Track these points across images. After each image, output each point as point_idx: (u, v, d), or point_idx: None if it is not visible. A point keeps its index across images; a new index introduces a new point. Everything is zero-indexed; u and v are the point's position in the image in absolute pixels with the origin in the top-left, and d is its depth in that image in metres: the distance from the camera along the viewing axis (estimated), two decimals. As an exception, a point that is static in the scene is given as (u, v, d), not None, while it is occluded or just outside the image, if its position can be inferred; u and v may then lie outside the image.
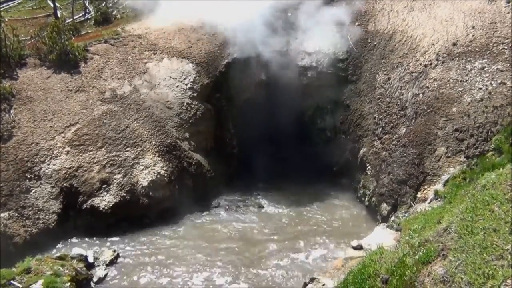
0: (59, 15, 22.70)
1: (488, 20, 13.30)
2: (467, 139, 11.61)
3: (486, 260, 5.34)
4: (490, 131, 11.44)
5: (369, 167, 13.87)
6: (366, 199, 13.94)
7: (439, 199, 10.65)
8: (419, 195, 11.77)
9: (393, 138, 13.17)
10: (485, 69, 12.32)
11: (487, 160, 10.54)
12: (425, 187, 11.75)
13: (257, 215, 14.31)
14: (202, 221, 13.95)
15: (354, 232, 12.90)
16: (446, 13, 14.25)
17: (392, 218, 12.01)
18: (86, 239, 12.81)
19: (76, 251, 11.74)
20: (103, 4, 23.17)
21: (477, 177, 9.30)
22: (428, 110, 12.48)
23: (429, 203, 11.08)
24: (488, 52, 12.58)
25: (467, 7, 14.02)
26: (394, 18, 15.23)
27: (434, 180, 11.63)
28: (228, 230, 13.44)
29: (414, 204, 11.67)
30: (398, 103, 13.57)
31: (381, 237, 10.94)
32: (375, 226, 12.64)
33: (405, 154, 12.49)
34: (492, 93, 11.79)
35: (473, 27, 13.33)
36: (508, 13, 13.19)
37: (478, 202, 6.73)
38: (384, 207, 12.64)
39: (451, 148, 11.73)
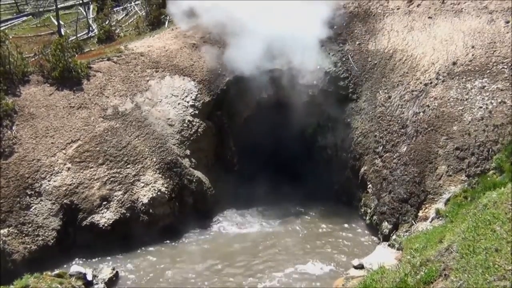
0: (63, 33, 23.00)
1: (488, 39, 13.43)
2: (468, 158, 11.61)
3: (488, 280, 5.30)
4: (491, 149, 11.46)
5: (370, 185, 13.84)
6: (367, 218, 13.87)
7: (440, 218, 10.61)
8: (420, 213, 11.73)
9: (394, 157, 13.18)
10: (485, 88, 12.40)
11: (488, 179, 10.52)
12: (427, 205, 11.71)
13: (258, 232, 14.23)
14: (203, 238, 13.87)
15: (355, 251, 12.81)
16: (446, 33, 14.39)
17: (394, 237, 11.93)
18: (85, 256, 12.70)
19: (75, 268, 11.64)
20: (107, 23, 23.51)
21: (479, 196, 9.28)
22: (429, 129, 12.51)
23: (430, 222, 11.03)
24: (488, 71, 12.67)
25: (466, 27, 14.17)
26: (394, 38, 15.38)
27: (436, 199, 11.59)
28: (229, 247, 13.36)
29: (415, 223, 11.61)
30: (399, 122, 13.61)
31: (383, 256, 10.87)
32: (376, 245, 12.57)
33: (406, 173, 12.48)
34: (493, 112, 11.84)
35: (473, 47, 13.45)
36: (507, 33, 13.33)
37: (479, 222, 6.71)
38: (385, 226, 12.57)
39: (452, 167, 11.73)
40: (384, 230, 12.56)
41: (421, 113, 12.96)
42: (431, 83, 13.35)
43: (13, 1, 30.54)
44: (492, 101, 12.05)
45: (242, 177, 15.81)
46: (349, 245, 13.26)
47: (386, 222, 12.61)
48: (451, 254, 6.38)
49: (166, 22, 21.81)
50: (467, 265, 5.80)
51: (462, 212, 8.98)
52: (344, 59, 15.79)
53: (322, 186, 15.56)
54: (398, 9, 16.18)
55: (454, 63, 13.34)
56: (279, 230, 14.37)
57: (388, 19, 16.02)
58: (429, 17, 15.25)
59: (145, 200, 13.44)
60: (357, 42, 15.95)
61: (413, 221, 11.74)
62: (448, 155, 11.88)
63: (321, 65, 15.76)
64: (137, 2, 26.35)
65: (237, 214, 15.09)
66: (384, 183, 13.16)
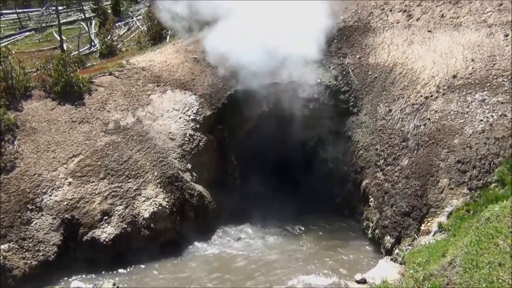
0: (65, 48, 23.16)
1: (487, 53, 13.50)
2: (469, 171, 11.59)
3: (492, 295, 5.25)
4: (492, 162, 11.44)
5: (371, 198, 13.80)
6: (369, 232, 13.80)
7: (443, 232, 10.55)
8: (422, 227, 11.67)
9: (396, 170, 13.15)
10: (485, 101, 12.43)
11: (490, 192, 10.48)
12: (429, 219, 11.65)
13: (259, 246, 14.15)
14: (204, 253, 13.78)
15: (357, 265, 12.72)
16: (446, 46, 14.47)
17: (396, 251, 11.86)
18: (86, 271, 12.62)
19: (75, 284, 11.59)
20: (108, 37, 23.68)
21: (481, 209, 9.25)
22: (430, 142, 12.51)
23: (433, 235, 10.96)
24: (488, 84, 12.71)
25: (466, 41, 14.25)
26: (394, 51, 15.47)
27: (438, 212, 11.54)
28: (231, 262, 13.27)
29: (418, 237, 11.54)
30: (400, 135, 13.62)
31: (385, 270, 10.79)
32: (379, 259, 12.48)
33: (407, 186, 12.45)
34: (493, 125, 11.85)
35: (473, 60, 13.52)
36: (506, 46, 13.41)
37: (482, 235, 6.68)
38: (388, 240, 12.50)
39: (454, 180, 11.70)
40: (387, 244, 12.48)
41: (422, 126, 12.97)
42: (431, 96, 13.39)
43: (16, 17, 30.84)
44: (493, 114, 12.06)
45: (243, 191, 15.79)
46: (351, 259, 13.17)
47: (388, 236, 12.54)
48: (455, 268, 6.33)
49: (168, 37, 21.98)
50: (470, 279, 5.76)
51: (464, 226, 8.93)
52: (344, 72, 15.87)
53: (324, 200, 15.53)
54: (397, 23, 16.31)
55: (454, 76, 13.39)
56: (281, 243, 14.30)
57: (387, 33, 16.14)
58: (428, 31, 15.36)
59: (146, 215, 13.40)
60: (358, 56, 16.05)
61: (415, 235, 11.67)
62: (450, 168, 11.86)
63: (322, 79, 15.83)
64: (138, 18, 26.60)
65: (238, 228, 15.02)
66: (386, 197, 13.11)
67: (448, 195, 11.60)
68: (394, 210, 12.54)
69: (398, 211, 12.41)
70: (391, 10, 16.86)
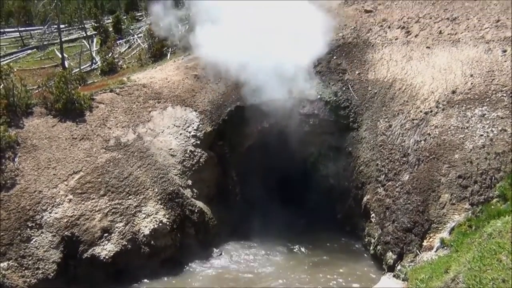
0: (66, 65, 23.36)
1: (486, 68, 13.59)
2: (471, 186, 11.56)
3: (496, 312, 5.19)
4: (493, 177, 11.41)
5: (373, 214, 13.73)
6: (371, 248, 13.70)
7: (445, 248, 10.47)
8: (425, 243, 11.58)
9: (397, 185, 13.12)
10: (485, 116, 12.46)
11: (492, 207, 10.44)
12: (431, 235, 11.57)
13: (260, 263, 14.03)
14: (204, 271, 13.67)
15: (359, 282, 12.60)
16: (444, 62, 14.57)
17: (398, 267, 11.75)
18: (86, 289, 12.54)
19: (74, 302, 11.46)
20: (110, 55, 23.89)
21: (483, 224, 9.20)
22: (431, 157, 12.51)
23: (435, 251, 10.88)
24: (488, 99, 12.76)
25: (464, 56, 14.36)
26: (393, 67, 15.57)
27: (440, 228, 11.47)
28: (231, 280, 13.15)
29: (420, 253, 11.45)
30: (400, 150, 13.62)
31: (388, 287, 10.68)
32: (381, 276, 12.36)
33: (409, 201, 12.40)
34: (494, 140, 11.86)
35: (471, 75, 13.59)
36: (505, 61, 13.50)
37: (485, 251, 6.64)
38: (390, 256, 12.40)
39: (455, 195, 11.66)
40: (389, 260, 12.38)
41: (422, 142, 12.98)
42: (431, 111, 13.43)
43: (18, 35, 31.14)
44: (493, 129, 12.08)
45: (244, 207, 15.73)
46: (354, 276, 13.05)
47: (390, 252, 12.45)
48: (458, 285, 6.28)
49: (168, 54, 22.18)
50: (474, 296, 5.70)
51: (467, 242, 8.88)
52: (344, 88, 15.94)
53: (325, 216, 15.46)
54: (396, 39, 16.45)
55: (453, 92, 13.45)
56: (282, 260, 14.19)
57: (386, 49, 16.27)
58: (427, 47, 15.49)
59: (147, 232, 13.33)
60: (357, 72, 16.15)
61: (417, 251, 11.58)
62: (451, 184, 11.83)
63: (322, 95, 15.91)
64: (139, 35, 26.84)
65: (239, 244, 14.92)
66: (388, 212, 13.05)
67: (450, 210, 11.55)
68: (396, 226, 12.47)
69: (399, 227, 12.34)
70: (389, 27, 17.04)
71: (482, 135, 12.10)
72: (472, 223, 10.42)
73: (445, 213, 11.59)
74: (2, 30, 33.66)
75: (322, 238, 15.11)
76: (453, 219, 11.35)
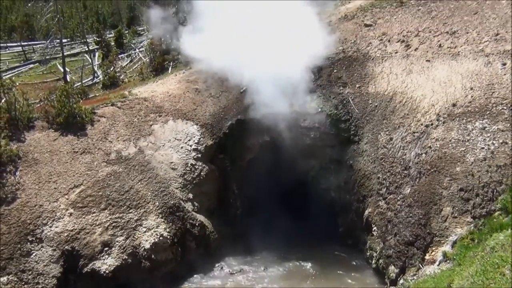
0: (68, 79, 23.51)
1: (486, 81, 13.64)
2: (472, 199, 11.52)
3: (500, 327, 5.13)
4: (495, 190, 11.37)
5: (375, 228, 13.67)
6: (373, 261, 13.60)
7: (448, 261, 10.40)
8: (427, 256, 11.50)
9: (398, 198, 13.08)
10: (486, 129, 12.47)
11: (494, 220, 10.39)
12: (433, 248, 11.50)
13: (262, 278, 13.94)
14: (205, 285, 13.56)
15: (362, 296, 12.49)
16: (444, 75, 14.63)
17: (401, 281, 11.65)
18: (85, 304, 12.44)
19: (74, 317, 11.36)
20: (111, 69, 24.06)
21: (486, 238, 9.15)
22: (432, 170, 12.49)
23: (438, 265, 10.80)
24: (488, 112, 12.78)
25: (464, 70, 14.42)
26: (393, 81, 15.64)
27: (442, 241, 11.40)
28: (232, 295, 13.06)
29: (422, 266, 11.37)
30: (402, 163, 13.60)
31: (390, 301, 10.57)
32: (383, 290, 12.27)
33: (411, 215, 12.35)
34: (495, 153, 11.85)
35: (471, 88, 13.64)
36: (504, 74, 13.55)
37: (488, 265, 6.59)
38: (392, 270, 12.31)
39: (457, 208, 11.61)
40: (391, 274, 12.29)
41: (423, 155, 12.97)
42: (432, 124, 13.45)
43: (21, 49, 31.39)
44: (494, 141, 12.08)
45: (245, 221, 15.67)
46: (356, 290, 12.95)
47: (392, 266, 12.36)
48: (461, 299, 6.22)
49: (170, 68, 22.32)
50: (477, 311, 5.65)
51: (469, 255, 8.82)
52: (345, 101, 16.00)
53: (326, 229, 15.40)
54: (396, 53, 16.55)
55: (453, 105, 13.49)
56: (284, 274, 14.09)
57: (386, 63, 16.36)
58: (427, 60, 15.57)
59: (147, 246, 13.27)
60: (357, 85, 16.22)
61: (420, 265, 11.50)
62: (453, 196, 11.79)
63: (322, 108, 15.96)
64: (141, 49, 27.06)
65: (241, 258, 14.83)
66: (389, 226, 12.99)
67: (452, 223, 11.50)
68: (398, 239, 12.40)
69: (401, 240, 12.27)
70: (389, 41, 17.15)
71: (483, 148, 12.10)
72: (474, 236, 10.36)
73: (447, 226, 11.53)
74: (4, 44, 33.97)
75: (324, 252, 15.01)
76: (455, 232, 11.30)
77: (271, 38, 15.86)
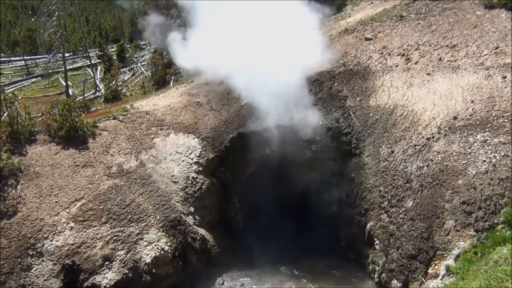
0: (70, 93, 23.61)
1: (486, 94, 13.66)
2: (475, 212, 11.45)
3: None
4: (497, 203, 11.31)
5: (377, 241, 13.58)
6: (375, 275, 13.49)
7: (451, 275, 10.30)
8: (430, 270, 11.40)
9: (400, 212, 13.02)
10: (487, 141, 12.45)
11: (497, 233, 10.32)
12: (436, 262, 11.40)
13: (263, 292, 13.84)
14: (206, 300, 13.46)
15: (364, 311, 12.36)
16: (445, 88, 14.68)
17: (404, 295, 11.55)
18: (86, 319, 12.31)
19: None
20: (113, 83, 24.18)
21: (489, 251, 9.09)
22: (434, 183, 12.45)
23: (441, 279, 10.70)
24: (489, 125, 12.78)
25: (464, 83, 14.47)
26: (394, 94, 15.68)
27: (445, 255, 11.31)
28: (233, 310, 12.93)
29: (425, 281, 11.26)
30: (403, 176, 13.57)
31: (393, 316, 10.45)
32: (386, 304, 12.14)
33: (413, 228, 12.27)
34: (497, 166, 11.82)
35: (472, 101, 13.66)
36: (505, 87, 13.58)
37: (491, 279, 6.54)
38: (395, 284, 12.19)
39: (459, 221, 11.54)
40: (394, 289, 12.17)
41: (425, 168, 12.94)
42: (433, 137, 13.45)
43: (24, 64, 31.61)
44: (495, 154, 12.06)
45: (246, 234, 15.58)
46: (358, 305, 12.82)
47: (395, 280, 12.25)
48: (465, 314, 6.15)
49: (171, 82, 22.43)
50: (482, 326, 5.58)
51: (473, 269, 8.74)
52: (346, 115, 16.03)
53: (328, 242, 15.29)
54: (396, 66, 16.63)
55: (455, 118, 13.50)
56: (286, 289, 13.97)
57: (387, 76, 16.43)
58: (427, 74, 15.63)
59: (148, 260, 13.18)
60: (358, 99, 16.26)
61: (423, 279, 11.39)
62: (455, 210, 11.73)
63: (323, 121, 15.98)
64: (143, 63, 27.24)
65: (242, 272, 14.71)
66: (392, 239, 12.91)
67: (455, 237, 11.42)
68: (401, 253, 12.30)
69: (404, 254, 12.18)
70: (389, 54, 17.25)
71: (484, 160, 12.07)
72: (477, 250, 10.29)
73: (450, 239, 11.45)
74: (7, 59, 34.22)
75: (326, 266, 14.90)
76: (458, 245, 11.21)
77: (272, 52, 15.96)
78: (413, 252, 11.96)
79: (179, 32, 20.97)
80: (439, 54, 16.09)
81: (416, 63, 16.29)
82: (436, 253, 11.50)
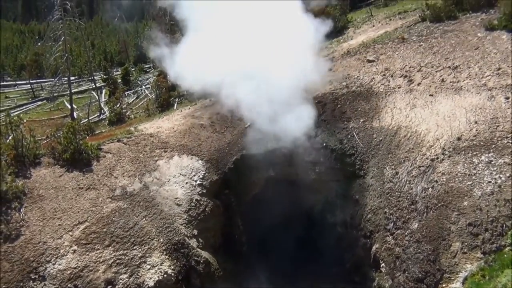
0: (75, 116, 23.79)
1: (490, 115, 13.66)
2: (482, 234, 11.32)
3: None
4: (504, 225, 11.18)
5: (383, 264, 13.41)
6: (382, 299, 13.28)
7: (459, 299, 10.13)
8: (437, 294, 11.22)
9: (406, 234, 12.88)
10: (492, 162, 12.40)
11: (505, 256, 10.17)
12: (443, 285, 11.22)
13: (267, 317, 13.63)
14: (209, 325, 13.24)
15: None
16: (448, 109, 14.70)
17: (411, 320, 11.33)
18: None
19: None
20: (118, 105, 24.37)
21: (497, 274, 8.95)
22: (439, 204, 12.35)
23: (449, 303, 10.52)
24: (494, 146, 12.74)
25: (467, 103, 14.49)
26: (397, 115, 15.71)
27: (452, 278, 11.14)
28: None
29: (433, 305, 11.07)
30: (408, 197, 13.48)
31: None
32: (393, 329, 11.91)
33: (419, 250, 12.12)
34: (502, 186, 11.73)
35: (476, 122, 13.66)
36: (508, 108, 13.58)
37: (500, 303, 6.39)
38: (402, 308, 11.99)
39: (466, 244, 11.40)
40: (401, 313, 11.95)
41: (430, 189, 12.86)
42: (437, 158, 13.41)
43: (29, 87, 31.98)
44: (501, 175, 11.98)
45: (251, 257, 15.44)
46: (365, 330, 12.58)
47: (402, 304, 12.04)
48: None
49: (175, 104, 22.59)
50: None
51: (481, 292, 8.59)
52: (349, 136, 16.04)
53: (333, 265, 15.14)
54: (399, 87, 16.71)
55: (458, 139, 13.47)
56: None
57: (390, 97, 16.49)
58: (430, 95, 15.68)
59: (151, 283, 13.03)
60: (361, 120, 16.30)
61: (430, 302, 11.20)
62: (461, 232, 11.59)
63: (327, 143, 15.99)
64: (147, 86, 27.50)
65: (246, 297, 14.54)
66: (398, 262, 12.74)
67: (462, 259, 11.26)
68: (407, 276, 12.13)
69: (411, 277, 12.00)
70: (392, 76, 17.36)
71: (490, 181, 11.99)
72: (485, 272, 10.13)
73: (457, 262, 11.29)
74: (14, 82, 34.64)
75: (331, 289, 14.71)
76: (465, 268, 11.04)
77: (275, 74, 16.09)
78: (420, 275, 11.79)
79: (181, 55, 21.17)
80: (441, 76, 16.18)
81: (418, 84, 16.37)
82: (443, 276, 11.32)
